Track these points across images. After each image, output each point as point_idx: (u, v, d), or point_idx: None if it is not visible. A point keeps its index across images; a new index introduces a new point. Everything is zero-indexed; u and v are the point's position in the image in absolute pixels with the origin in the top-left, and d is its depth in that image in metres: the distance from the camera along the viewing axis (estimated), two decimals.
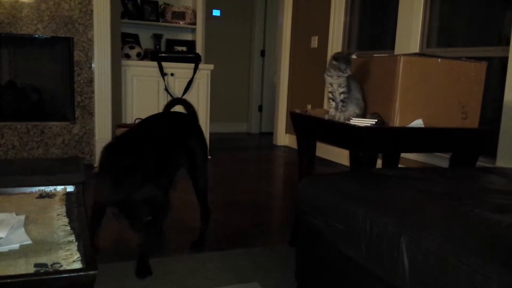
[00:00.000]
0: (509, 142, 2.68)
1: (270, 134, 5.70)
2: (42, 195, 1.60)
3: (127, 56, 4.30)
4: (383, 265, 1.18)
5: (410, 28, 3.48)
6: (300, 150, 2.19)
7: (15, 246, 1.16)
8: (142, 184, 1.63)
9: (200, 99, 4.45)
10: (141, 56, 4.39)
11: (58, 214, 1.40)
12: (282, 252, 2.10)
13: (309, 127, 2.11)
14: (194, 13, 4.74)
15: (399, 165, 2.36)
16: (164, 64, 4.27)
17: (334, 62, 1.88)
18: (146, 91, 4.24)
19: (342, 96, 1.90)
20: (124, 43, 4.33)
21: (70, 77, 3.68)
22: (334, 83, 1.90)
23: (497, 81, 2.89)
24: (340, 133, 1.88)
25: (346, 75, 1.87)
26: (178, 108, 2.19)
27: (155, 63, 4.26)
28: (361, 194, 1.39)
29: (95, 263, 1.06)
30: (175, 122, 2.06)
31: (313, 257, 1.63)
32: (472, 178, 1.66)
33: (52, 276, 1.01)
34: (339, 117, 1.92)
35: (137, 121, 3.99)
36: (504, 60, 2.79)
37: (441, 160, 3.06)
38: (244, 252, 2.06)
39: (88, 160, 3.74)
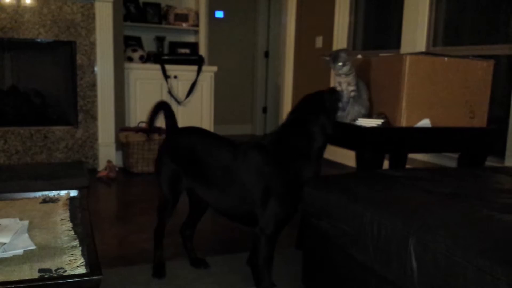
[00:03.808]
0: None
1: None
2: (45, 200, 1.59)
3: (130, 59, 4.30)
4: (391, 267, 1.17)
5: (416, 26, 3.46)
6: None
7: (19, 251, 1.15)
8: None
9: (204, 102, 4.45)
10: (144, 59, 4.39)
11: (62, 219, 1.39)
12: (288, 255, 2.09)
13: None
14: (197, 15, 4.74)
15: (407, 166, 2.35)
16: (167, 66, 4.27)
17: (326, 58, 1.95)
18: (150, 94, 4.24)
19: (352, 93, 1.89)
20: (126, 46, 4.33)
21: (72, 81, 3.68)
22: (343, 82, 1.89)
23: (505, 79, 2.87)
24: (346, 134, 1.87)
25: (339, 71, 1.90)
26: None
27: (158, 66, 4.26)
28: (368, 196, 1.38)
29: (99, 268, 1.05)
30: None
31: (319, 260, 1.62)
32: (480, 178, 1.65)
33: (56, 281, 1.01)
34: (348, 112, 1.91)
35: (140, 125, 3.99)
36: None
37: (449, 160, 3.03)
38: None
39: (92, 164, 3.74)
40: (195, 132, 1.83)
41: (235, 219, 1.73)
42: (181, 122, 4.92)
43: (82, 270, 1.06)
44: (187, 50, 4.79)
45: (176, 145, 1.79)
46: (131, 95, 4.15)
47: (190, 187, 1.76)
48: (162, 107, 1.89)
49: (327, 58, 1.94)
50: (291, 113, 1.69)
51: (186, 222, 1.96)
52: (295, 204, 1.61)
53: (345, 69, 1.88)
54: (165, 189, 1.79)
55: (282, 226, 1.61)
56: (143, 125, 3.97)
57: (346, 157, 4.13)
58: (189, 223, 1.95)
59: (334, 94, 1.72)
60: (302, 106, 1.66)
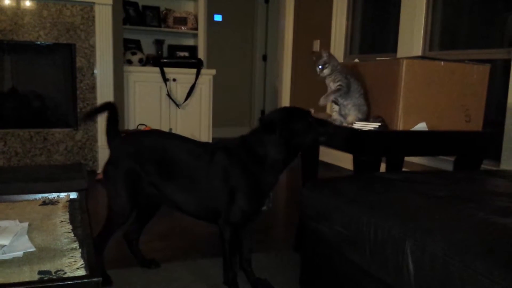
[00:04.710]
0: None
1: None
2: (45, 202, 1.59)
3: (129, 62, 4.32)
4: (388, 269, 1.18)
5: (413, 31, 3.48)
6: (303, 155, 2.18)
7: (19, 253, 1.15)
8: None
9: (203, 104, 4.46)
10: (143, 62, 4.41)
11: (61, 221, 1.39)
12: (286, 258, 2.10)
13: None
14: (196, 18, 4.75)
15: (403, 169, 2.36)
16: (166, 69, 4.28)
17: (314, 58, 1.97)
18: (149, 97, 4.25)
19: (337, 87, 1.89)
20: (126, 49, 4.34)
21: (72, 84, 3.69)
22: (329, 82, 1.91)
23: (500, 83, 2.88)
24: (343, 137, 1.88)
25: (320, 74, 1.91)
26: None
27: (157, 69, 4.27)
28: (365, 199, 1.39)
29: (99, 270, 1.06)
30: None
31: (317, 262, 1.63)
32: (476, 181, 1.65)
33: (56, 284, 1.01)
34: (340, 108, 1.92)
35: (140, 127, 4.00)
36: (507, 62, 2.78)
37: (445, 163, 3.05)
38: None
39: (91, 166, 3.75)
40: (158, 134, 1.83)
41: (201, 217, 1.77)
42: (180, 125, 4.90)
43: (81, 272, 1.06)
44: (186, 53, 4.81)
45: (140, 147, 1.72)
46: (130, 97, 4.17)
47: (151, 190, 1.72)
48: (108, 108, 1.78)
49: (314, 59, 1.97)
50: (270, 112, 1.74)
51: (132, 227, 1.93)
52: (258, 205, 1.69)
53: (326, 71, 1.90)
54: (123, 195, 1.69)
55: (244, 221, 1.69)
56: (143, 127, 3.98)
57: (343, 159, 4.14)
58: (135, 228, 1.93)
59: (318, 126, 1.69)
60: (274, 115, 1.69)
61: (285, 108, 1.79)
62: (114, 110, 1.78)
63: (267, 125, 1.65)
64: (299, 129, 1.63)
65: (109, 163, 1.74)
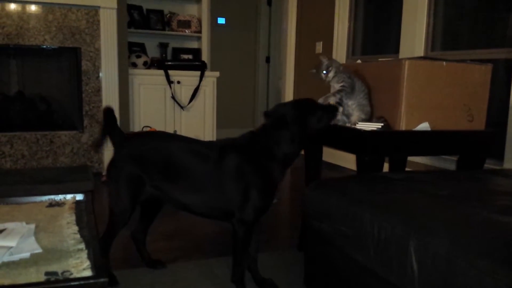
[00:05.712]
0: None
1: None
2: (52, 204, 1.60)
3: (134, 65, 4.34)
4: (392, 269, 1.18)
5: (414, 31, 3.48)
6: (307, 155, 2.19)
7: (26, 254, 1.16)
8: None
9: (207, 106, 4.48)
10: (147, 65, 4.43)
11: (68, 223, 1.40)
12: (290, 257, 2.10)
13: None
14: (199, 21, 4.78)
15: (406, 169, 2.36)
16: (170, 72, 4.30)
17: (313, 71, 2.01)
18: (153, 99, 4.28)
19: (340, 87, 1.90)
20: (130, 52, 4.37)
21: (78, 87, 3.72)
22: (334, 84, 1.93)
23: (503, 83, 2.88)
24: (346, 138, 1.89)
25: (326, 78, 1.94)
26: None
27: (161, 72, 4.29)
28: (368, 198, 1.40)
29: (105, 270, 1.06)
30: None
31: (321, 261, 1.64)
32: (479, 180, 1.66)
33: (62, 284, 1.02)
34: (334, 98, 1.93)
35: (144, 129, 4.02)
36: (509, 62, 2.78)
37: (448, 162, 3.05)
38: None
39: (97, 168, 3.77)
40: (161, 135, 1.80)
41: (213, 217, 1.77)
42: (185, 127, 4.93)
43: (88, 272, 1.07)
44: (190, 56, 4.83)
45: (143, 149, 1.70)
46: (135, 100, 4.19)
47: (154, 193, 1.71)
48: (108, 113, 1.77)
49: (313, 71, 2.00)
50: (277, 107, 1.73)
51: (138, 227, 1.94)
52: (270, 199, 1.69)
53: (331, 74, 1.93)
54: (124, 197, 1.70)
55: (258, 217, 1.69)
56: (148, 129, 4.01)
57: (346, 160, 4.14)
58: (141, 228, 1.94)
59: (328, 112, 1.74)
60: (284, 109, 1.69)
61: (294, 101, 1.77)
62: (110, 113, 1.77)
63: (278, 120, 1.66)
64: (311, 121, 1.67)
65: (112, 164, 1.74)
